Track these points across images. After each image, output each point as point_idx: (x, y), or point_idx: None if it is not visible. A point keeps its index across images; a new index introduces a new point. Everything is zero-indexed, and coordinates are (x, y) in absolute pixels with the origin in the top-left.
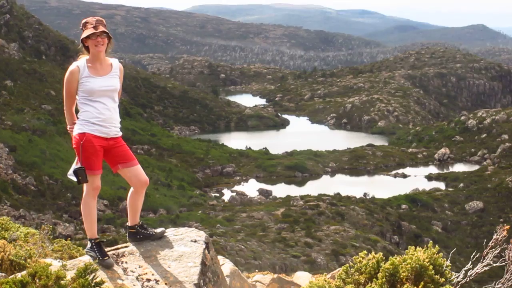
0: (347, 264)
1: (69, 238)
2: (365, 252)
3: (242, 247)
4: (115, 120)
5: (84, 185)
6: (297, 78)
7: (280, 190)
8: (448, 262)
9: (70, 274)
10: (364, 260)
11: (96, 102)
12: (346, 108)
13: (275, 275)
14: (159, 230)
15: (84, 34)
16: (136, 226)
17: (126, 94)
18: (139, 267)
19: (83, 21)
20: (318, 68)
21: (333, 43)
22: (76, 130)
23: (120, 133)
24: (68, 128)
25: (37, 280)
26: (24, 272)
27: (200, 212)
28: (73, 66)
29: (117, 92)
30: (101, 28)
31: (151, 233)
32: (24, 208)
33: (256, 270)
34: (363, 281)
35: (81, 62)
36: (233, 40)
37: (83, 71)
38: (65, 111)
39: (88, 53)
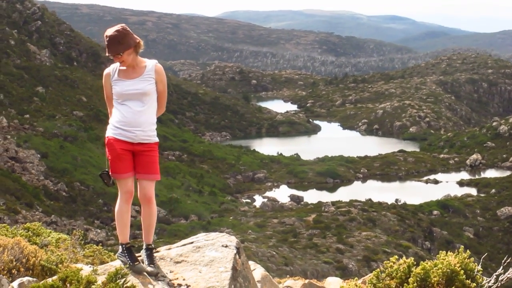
0: (378, 269)
1: (101, 244)
2: (396, 257)
3: (274, 253)
4: (142, 124)
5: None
6: (328, 84)
7: (312, 196)
8: (479, 267)
9: (101, 279)
10: (395, 265)
11: (123, 105)
12: (377, 114)
13: (306, 281)
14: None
15: (106, 53)
16: (146, 246)
17: None
18: (170, 272)
19: (104, 35)
20: (349, 74)
21: (364, 49)
22: (106, 134)
23: (152, 140)
24: None
25: (68, 285)
26: (55, 277)
27: (231, 218)
28: (106, 70)
29: (147, 95)
30: (108, 52)
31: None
32: (56, 214)
33: (288, 276)
34: (394, 286)
35: (114, 65)
36: (264, 46)
37: (113, 74)
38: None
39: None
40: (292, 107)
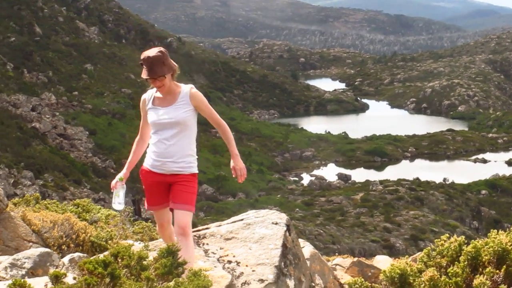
0: (429, 248)
1: (149, 221)
2: (447, 235)
3: (321, 231)
4: (174, 155)
5: None
6: (376, 63)
7: (359, 174)
8: None
9: (152, 255)
10: (446, 243)
11: (156, 134)
12: (426, 92)
13: (355, 259)
14: None
15: (142, 75)
16: None
17: (205, 78)
18: (220, 248)
19: (142, 57)
20: (398, 53)
21: (413, 28)
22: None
23: (186, 171)
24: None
25: (120, 260)
26: (106, 253)
27: (279, 196)
28: (143, 96)
29: (181, 124)
30: (149, 74)
31: None
32: (104, 191)
33: (336, 254)
34: (444, 264)
35: (150, 91)
36: (312, 24)
37: (149, 101)
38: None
39: None
40: (340, 86)
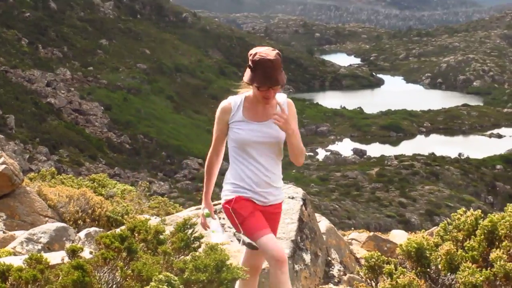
0: (445, 222)
1: (165, 196)
2: (463, 209)
3: (336, 206)
4: (274, 181)
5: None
6: (392, 38)
7: (375, 149)
8: None
9: (169, 229)
10: (462, 218)
11: (247, 158)
12: (441, 67)
13: (371, 233)
14: None
15: (249, 80)
16: None
17: (221, 53)
18: None
19: (253, 57)
20: (413, 28)
21: (429, 2)
22: (223, 197)
23: (280, 198)
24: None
25: (136, 235)
26: (123, 227)
27: (294, 171)
28: (225, 102)
29: (281, 144)
30: (265, 82)
31: None
32: (119, 167)
33: (352, 228)
34: (461, 238)
35: (237, 98)
36: None
37: (235, 111)
38: (206, 163)
39: (250, 87)
40: (355, 61)
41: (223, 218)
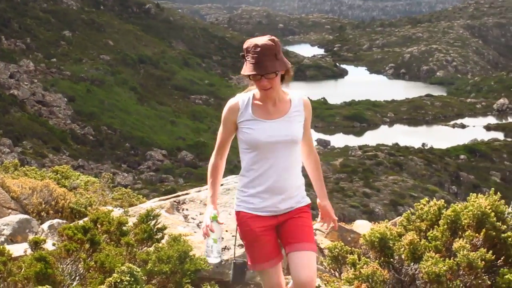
0: (409, 211)
1: (129, 187)
2: (427, 199)
3: None
4: (289, 187)
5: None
6: (355, 28)
7: (339, 140)
8: (510, 209)
9: (132, 221)
10: (425, 207)
11: (259, 160)
12: (404, 58)
13: None
14: None
15: (243, 71)
16: None
17: (184, 45)
18: (200, 214)
19: (245, 46)
20: (376, 18)
21: None
22: (235, 205)
23: (301, 203)
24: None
25: (99, 226)
26: (86, 218)
27: None
28: (232, 100)
29: (297, 143)
30: (256, 69)
31: None
32: (83, 158)
33: (316, 219)
34: (424, 228)
35: (245, 95)
36: None
37: (244, 109)
38: (210, 166)
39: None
40: (319, 51)
41: (186, 210)
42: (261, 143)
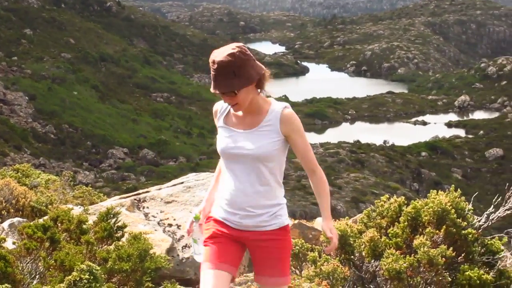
0: (369, 208)
1: (90, 186)
2: (387, 196)
3: None
4: (252, 205)
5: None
6: (316, 26)
7: None
8: (470, 206)
9: (92, 219)
10: (386, 204)
11: (228, 170)
12: (365, 55)
13: (296, 221)
14: None
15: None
16: None
17: (145, 43)
18: (161, 212)
19: (210, 58)
20: (337, 15)
21: None
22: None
23: (268, 227)
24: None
25: (59, 224)
26: (46, 217)
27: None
28: (215, 105)
29: (263, 161)
30: (214, 87)
31: None
32: (44, 157)
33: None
34: (385, 225)
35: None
36: None
37: (220, 116)
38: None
39: None
40: (280, 49)
41: (147, 208)
42: (224, 153)
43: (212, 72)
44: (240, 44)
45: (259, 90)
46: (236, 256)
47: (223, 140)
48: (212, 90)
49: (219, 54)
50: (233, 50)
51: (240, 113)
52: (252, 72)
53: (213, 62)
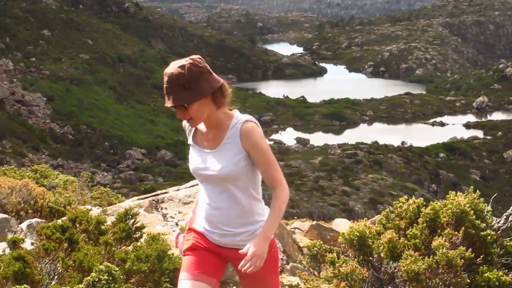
0: (388, 210)
1: (108, 187)
2: (406, 197)
3: None
4: (228, 224)
5: None
6: (334, 27)
7: (318, 138)
8: (489, 208)
9: (110, 220)
10: (404, 206)
11: (202, 188)
12: (383, 56)
13: (314, 222)
14: None
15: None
16: None
17: (163, 43)
18: (179, 213)
19: None
20: (355, 16)
21: None
22: None
23: (241, 245)
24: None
25: (78, 225)
26: (64, 218)
27: None
28: (184, 121)
29: (228, 181)
30: (166, 100)
31: None
32: (62, 157)
33: (295, 218)
34: (403, 226)
35: None
36: None
37: (189, 133)
38: None
39: None
40: (298, 50)
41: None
42: (194, 173)
43: (164, 85)
44: (197, 56)
45: (218, 105)
46: (216, 268)
47: (193, 160)
48: (165, 103)
49: (171, 66)
50: (185, 62)
51: (203, 129)
52: (205, 86)
53: (165, 74)
